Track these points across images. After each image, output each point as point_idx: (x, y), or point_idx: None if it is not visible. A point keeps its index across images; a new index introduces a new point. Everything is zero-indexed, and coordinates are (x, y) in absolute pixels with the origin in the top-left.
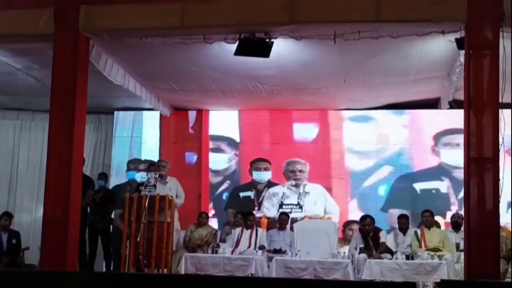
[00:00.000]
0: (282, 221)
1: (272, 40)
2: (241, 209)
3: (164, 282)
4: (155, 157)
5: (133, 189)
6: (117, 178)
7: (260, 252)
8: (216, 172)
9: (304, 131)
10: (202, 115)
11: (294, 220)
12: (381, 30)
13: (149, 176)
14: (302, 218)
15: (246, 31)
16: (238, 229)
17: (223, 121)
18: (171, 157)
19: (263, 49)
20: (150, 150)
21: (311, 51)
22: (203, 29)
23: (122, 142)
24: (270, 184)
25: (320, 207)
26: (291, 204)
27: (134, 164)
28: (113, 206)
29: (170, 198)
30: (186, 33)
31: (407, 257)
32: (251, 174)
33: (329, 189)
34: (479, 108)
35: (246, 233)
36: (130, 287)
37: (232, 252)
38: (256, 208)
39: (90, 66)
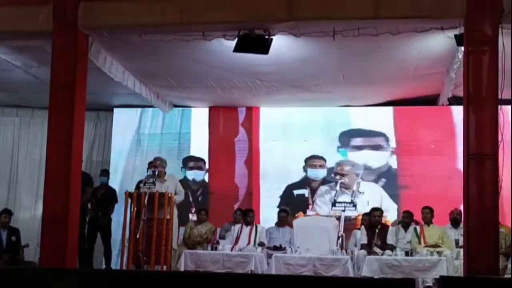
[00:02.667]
0: (282, 218)
1: (271, 37)
2: (295, 207)
3: (163, 279)
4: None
5: None
6: (116, 174)
7: (259, 248)
8: None
9: None
10: (251, 112)
11: (348, 219)
12: (380, 26)
13: (148, 173)
14: (355, 217)
15: (245, 27)
16: (238, 226)
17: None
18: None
19: (262, 46)
20: (153, 148)
21: (310, 48)
22: (202, 26)
23: (122, 139)
24: (324, 182)
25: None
26: (344, 202)
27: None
28: (114, 203)
29: (169, 195)
30: (185, 30)
31: (407, 254)
32: (306, 171)
33: None
34: (478, 104)
35: (246, 229)
36: (130, 284)
37: (232, 248)
38: (310, 207)
39: (89, 63)
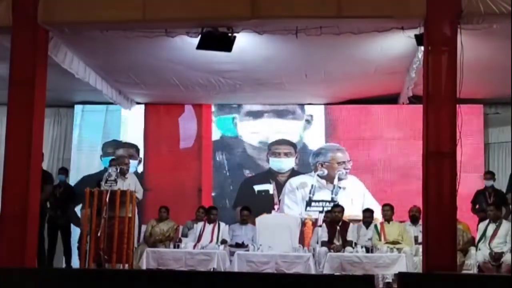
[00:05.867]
0: (243, 217)
1: (235, 34)
2: (256, 207)
3: (125, 277)
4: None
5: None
6: (77, 172)
7: (222, 246)
8: None
9: None
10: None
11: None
12: (342, 26)
13: (110, 171)
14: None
15: (209, 25)
16: (200, 224)
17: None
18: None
19: (226, 44)
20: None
21: (273, 46)
22: (165, 23)
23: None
24: (294, 173)
25: (358, 206)
26: (322, 201)
27: (112, 147)
28: (73, 202)
29: (131, 193)
30: (148, 27)
31: (367, 250)
32: (268, 161)
33: None
34: (437, 103)
35: (208, 227)
36: (91, 282)
37: (194, 246)
38: (276, 207)
39: (49, 59)
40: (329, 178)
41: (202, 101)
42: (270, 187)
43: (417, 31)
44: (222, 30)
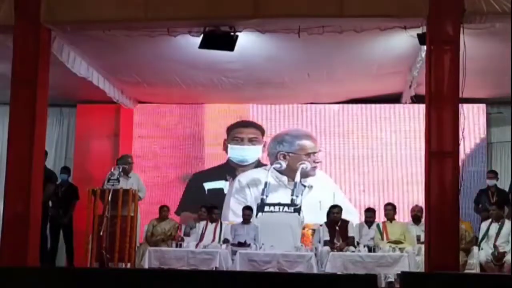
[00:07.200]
0: (245, 216)
1: (237, 33)
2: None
3: (127, 276)
4: None
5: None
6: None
7: (224, 245)
8: None
9: None
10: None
11: None
12: (345, 24)
13: (112, 170)
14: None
15: (211, 24)
16: (203, 223)
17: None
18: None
19: (228, 43)
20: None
21: (275, 45)
22: (168, 22)
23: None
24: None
25: (326, 210)
26: (279, 205)
27: None
28: (76, 201)
29: (133, 192)
30: (150, 26)
31: (369, 250)
32: (226, 150)
33: None
34: (440, 102)
35: (211, 226)
36: (93, 281)
37: (196, 246)
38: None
39: (51, 58)
40: (289, 174)
41: (204, 100)
42: (225, 185)
43: (419, 30)
44: (224, 29)
